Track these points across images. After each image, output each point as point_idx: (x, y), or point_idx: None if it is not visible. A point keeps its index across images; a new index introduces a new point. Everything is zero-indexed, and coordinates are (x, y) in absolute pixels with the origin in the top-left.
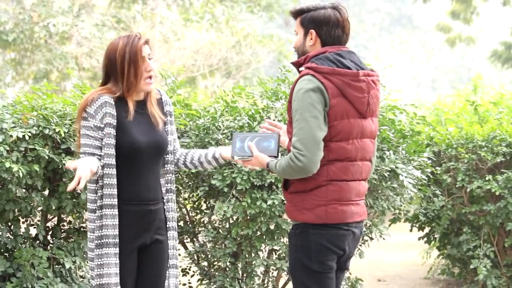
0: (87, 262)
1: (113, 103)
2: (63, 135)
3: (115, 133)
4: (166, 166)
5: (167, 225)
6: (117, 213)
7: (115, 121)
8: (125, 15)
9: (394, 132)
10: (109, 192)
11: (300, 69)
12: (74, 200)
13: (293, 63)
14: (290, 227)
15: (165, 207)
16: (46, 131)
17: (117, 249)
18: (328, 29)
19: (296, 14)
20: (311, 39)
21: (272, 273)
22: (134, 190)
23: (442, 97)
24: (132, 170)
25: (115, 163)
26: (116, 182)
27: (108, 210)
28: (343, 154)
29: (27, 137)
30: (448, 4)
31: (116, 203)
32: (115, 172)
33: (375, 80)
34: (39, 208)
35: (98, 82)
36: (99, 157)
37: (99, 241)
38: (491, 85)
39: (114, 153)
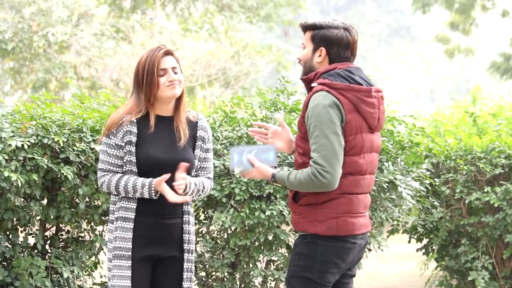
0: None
1: (135, 121)
2: (62, 144)
3: (135, 150)
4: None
5: (183, 247)
6: (132, 226)
7: (136, 138)
8: (124, 24)
9: (393, 143)
10: (126, 205)
11: (312, 85)
12: (73, 209)
13: (303, 79)
14: (294, 237)
15: (183, 227)
16: (45, 141)
17: (130, 261)
18: (338, 49)
19: (307, 28)
20: (320, 56)
21: (270, 283)
22: (150, 202)
23: (441, 108)
24: None
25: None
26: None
27: (124, 223)
28: (356, 168)
29: (26, 146)
30: (447, 15)
31: (133, 217)
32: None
33: (383, 96)
34: (38, 217)
35: (97, 92)
36: (116, 173)
37: (114, 253)
38: (490, 97)
39: (136, 170)
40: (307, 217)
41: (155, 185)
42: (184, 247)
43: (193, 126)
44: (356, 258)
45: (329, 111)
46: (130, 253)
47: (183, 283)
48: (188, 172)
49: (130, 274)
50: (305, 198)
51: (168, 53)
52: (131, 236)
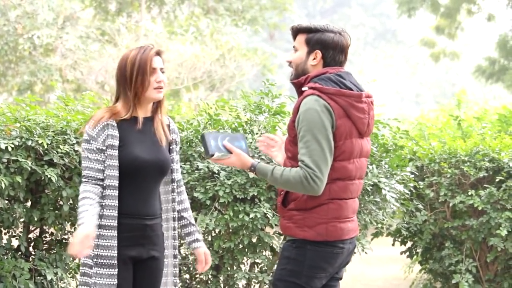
0: (78, 277)
1: (115, 124)
2: (46, 146)
3: (117, 154)
4: (168, 185)
5: (165, 244)
6: (116, 234)
7: (118, 141)
8: (109, 27)
9: (377, 146)
10: (108, 213)
11: (303, 89)
12: (56, 211)
13: (293, 82)
14: (278, 239)
15: (162, 224)
16: (29, 143)
17: (115, 270)
18: (334, 53)
19: (301, 31)
20: (315, 59)
21: (254, 286)
22: (131, 204)
23: (426, 112)
24: (132, 185)
25: (117, 184)
26: (117, 204)
27: (106, 231)
28: (345, 173)
29: (9, 149)
30: (433, 19)
31: (116, 224)
32: (117, 194)
33: (373, 101)
34: (21, 220)
35: (82, 94)
36: (101, 181)
37: (96, 260)
38: (475, 100)
39: (117, 174)
40: (296, 222)
41: (78, 232)
42: (169, 243)
43: (167, 129)
44: (344, 262)
45: (321, 116)
46: (115, 261)
47: (171, 278)
48: (165, 173)
49: (115, 283)
50: (294, 203)
51: (158, 53)
52: (116, 244)
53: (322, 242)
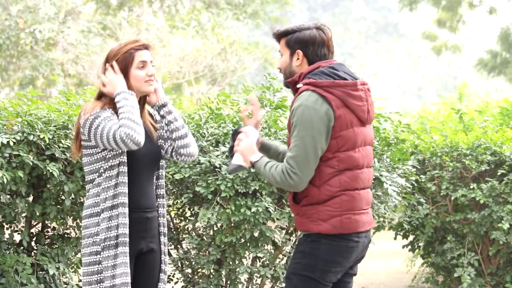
0: (82, 268)
1: (112, 111)
2: (47, 141)
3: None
4: (158, 180)
5: (159, 230)
6: (127, 211)
7: None
8: (111, 21)
9: (378, 140)
10: (122, 191)
11: (298, 86)
12: (58, 206)
13: (288, 82)
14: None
15: (158, 211)
16: (31, 137)
17: (127, 248)
18: (314, 48)
19: (281, 36)
20: (298, 59)
21: (256, 280)
22: (132, 197)
23: (428, 105)
24: (130, 178)
25: (127, 181)
26: (127, 180)
27: (121, 209)
28: (352, 163)
29: (11, 143)
30: (434, 12)
31: (127, 201)
32: (127, 170)
33: (369, 88)
34: (23, 214)
35: (84, 89)
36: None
37: (115, 241)
38: (477, 94)
39: (126, 170)
40: (310, 217)
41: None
42: (161, 240)
43: (149, 114)
44: (359, 256)
45: (310, 113)
46: (127, 239)
47: (160, 274)
48: (158, 163)
49: (128, 261)
50: (307, 198)
51: (146, 47)
52: (128, 222)
53: (337, 236)
